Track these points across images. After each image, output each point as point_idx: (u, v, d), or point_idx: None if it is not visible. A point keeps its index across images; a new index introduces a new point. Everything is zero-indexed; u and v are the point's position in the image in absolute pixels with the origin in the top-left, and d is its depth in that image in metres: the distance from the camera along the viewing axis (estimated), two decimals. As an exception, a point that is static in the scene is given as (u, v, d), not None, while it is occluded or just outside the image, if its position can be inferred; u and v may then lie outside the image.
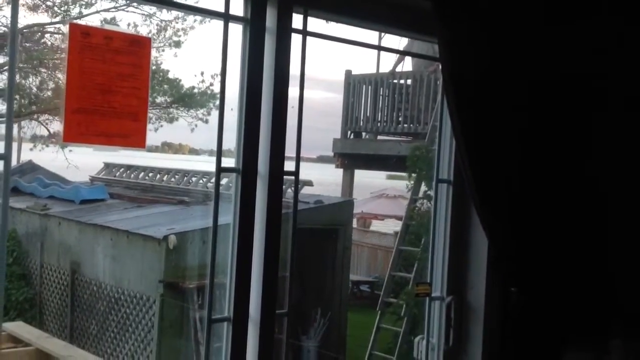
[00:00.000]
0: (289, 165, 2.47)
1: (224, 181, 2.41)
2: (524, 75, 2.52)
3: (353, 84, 11.86)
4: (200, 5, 2.29)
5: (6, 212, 1.93)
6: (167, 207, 10.51)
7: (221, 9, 2.27)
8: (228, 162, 2.34)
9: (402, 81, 11.40)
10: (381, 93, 11.62)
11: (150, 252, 8.86)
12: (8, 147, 1.90)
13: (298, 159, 2.51)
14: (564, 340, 2.77)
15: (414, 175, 8.51)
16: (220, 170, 2.30)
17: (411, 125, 11.15)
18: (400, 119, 11.42)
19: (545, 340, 2.79)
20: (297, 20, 2.45)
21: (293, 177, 2.50)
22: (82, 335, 9.59)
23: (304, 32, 2.45)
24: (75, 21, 10.63)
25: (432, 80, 10.18)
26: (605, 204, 2.69)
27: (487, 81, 2.50)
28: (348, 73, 11.91)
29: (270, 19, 2.36)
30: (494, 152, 2.60)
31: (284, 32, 2.38)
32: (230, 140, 2.34)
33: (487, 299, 2.90)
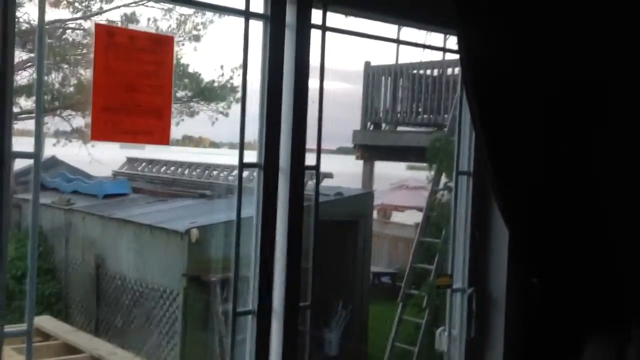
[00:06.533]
0: (310, 158, 2.50)
1: (245, 174, 2.44)
2: (545, 69, 2.52)
3: (372, 75, 11.85)
4: (220, 3, 2.31)
5: (37, 208, 1.98)
6: (189, 201, 10.58)
7: (242, 6, 2.30)
8: (250, 156, 2.37)
9: (421, 72, 11.37)
10: (401, 84, 11.60)
11: (173, 246, 8.94)
12: (38, 145, 1.95)
13: (319, 153, 2.54)
14: (586, 330, 2.78)
15: (434, 166, 8.49)
16: (243, 165, 2.34)
17: (431, 116, 11.13)
18: (420, 109, 11.40)
19: (567, 330, 2.80)
20: (316, 16, 2.48)
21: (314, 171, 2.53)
22: (108, 329, 9.72)
23: (324, 28, 2.48)
24: (97, 20, 10.72)
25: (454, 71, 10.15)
26: (626, 193, 2.68)
27: (507, 75, 2.50)
28: (367, 64, 11.89)
29: (290, 15, 2.39)
30: (514, 144, 2.60)
31: (304, 28, 2.40)
32: (251, 132, 2.37)
33: (508, 290, 2.92)
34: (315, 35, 2.46)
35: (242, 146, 2.31)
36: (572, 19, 2.54)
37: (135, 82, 2.07)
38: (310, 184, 2.52)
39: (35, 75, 1.97)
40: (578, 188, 2.72)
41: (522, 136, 2.60)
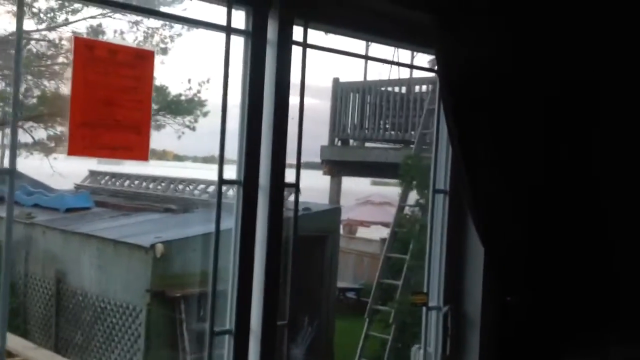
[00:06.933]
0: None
1: (230, 192, 2.41)
2: (524, 88, 2.55)
3: (340, 91, 11.90)
4: (202, 18, 2.28)
5: (10, 225, 1.93)
6: (154, 215, 10.45)
7: (223, 22, 2.28)
8: (227, 170, 2.33)
9: (389, 89, 11.47)
10: (369, 101, 11.67)
11: (137, 261, 8.81)
12: (13, 160, 1.90)
13: (298, 170, 2.52)
14: (561, 349, 2.80)
15: (409, 184, 8.55)
16: (222, 181, 2.30)
17: (399, 132, 11.22)
18: (387, 126, 11.48)
19: (542, 348, 2.82)
20: (296, 33, 2.47)
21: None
22: (67, 346, 9.50)
23: (304, 44, 2.47)
24: (61, 31, 10.55)
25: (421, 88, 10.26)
26: (603, 212, 2.72)
27: (486, 92, 2.53)
28: (336, 81, 11.95)
29: (272, 31, 2.37)
30: (491, 163, 2.63)
31: (285, 44, 2.39)
32: (216, 147, 2.33)
33: (484, 308, 2.92)
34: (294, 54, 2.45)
35: (221, 162, 2.28)
36: (555, 31, 2.58)
37: (115, 96, 2.03)
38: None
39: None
40: (553, 208, 2.75)
41: (499, 155, 2.63)
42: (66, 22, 11.01)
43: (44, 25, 10.77)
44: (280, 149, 2.40)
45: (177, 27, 10.91)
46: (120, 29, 11.32)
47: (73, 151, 1.97)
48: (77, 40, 1.96)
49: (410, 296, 2.90)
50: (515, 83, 2.55)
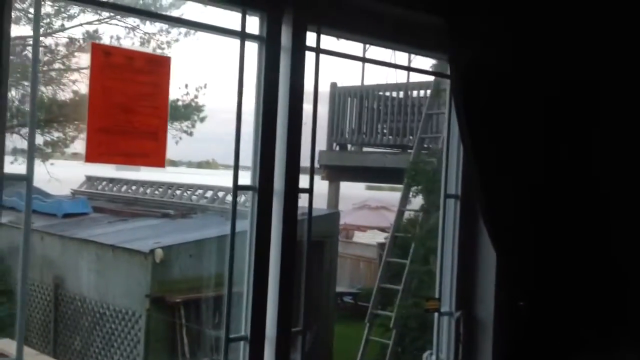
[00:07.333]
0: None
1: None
2: (537, 92, 2.55)
3: (338, 96, 11.91)
4: (215, 24, 2.27)
5: (28, 233, 1.91)
6: (152, 221, 10.43)
7: (237, 27, 2.27)
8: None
9: (387, 93, 11.48)
10: (366, 105, 11.68)
11: (137, 267, 8.78)
12: (30, 167, 1.89)
13: (312, 175, 2.52)
14: (574, 354, 2.79)
15: (413, 189, 8.54)
16: (237, 188, 2.29)
17: (397, 137, 11.22)
18: (385, 130, 11.48)
19: (555, 353, 2.81)
20: (309, 38, 2.46)
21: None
22: (66, 351, 9.47)
23: (317, 50, 2.46)
24: (58, 37, 10.53)
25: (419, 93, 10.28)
26: (614, 217, 2.72)
27: (500, 98, 2.53)
28: (333, 85, 11.96)
29: (285, 37, 2.36)
30: (505, 168, 2.62)
31: (299, 50, 2.38)
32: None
33: (496, 313, 2.92)
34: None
35: (236, 168, 2.27)
36: (562, 34, 2.58)
37: (131, 103, 2.02)
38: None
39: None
40: (565, 213, 2.75)
41: (513, 159, 2.62)
42: (62, 28, 10.99)
43: (40, 31, 10.73)
44: (295, 154, 2.39)
45: (174, 32, 10.91)
46: (116, 34, 11.31)
47: (91, 158, 1.96)
48: (95, 46, 1.95)
49: (425, 302, 2.88)
50: (531, 91, 2.56)
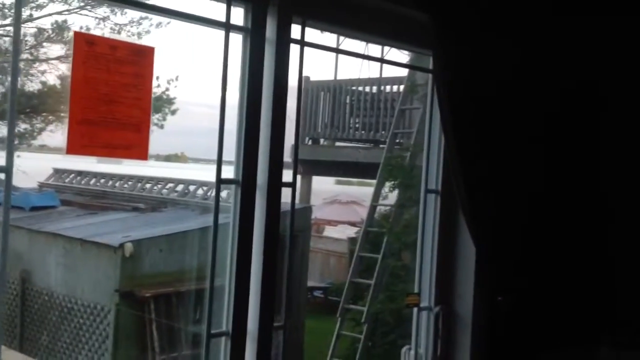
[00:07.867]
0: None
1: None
2: (521, 88, 2.56)
3: (311, 90, 11.87)
4: (201, 14, 2.23)
5: (7, 228, 1.86)
6: (121, 214, 10.30)
7: (222, 18, 2.24)
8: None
9: (360, 88, 11.48)
10: (339, 100, 11.67)
11: (106, 261, 8.67)
12: (10, 158, 1.84)
13: (295, 169, 2.50)
14: (552, 348, 2.82)
15: (389, 183, 8.55)
16: (220, 181, 2.26)
17: (370, 132, 11.24)
18: (357, 125, 11.49)
19: (533, 348, 2.84)
20: (294, 31, 2.43)
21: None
22: (33, 347, 9.32)
23: (302, 43, 2.44)
24: (25, 27, 10.31)
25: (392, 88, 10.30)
26: (597, 213, 2.75)
27: (484, 94, 2.53)
28: (306, 79, 11.91)
29: (270, 29, 2.34)
30: (486, 164, 2.63)
31: (283, 42, 2.36)
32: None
33: (475, 308, 2.93)
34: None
35: (220, 161, 2.24)
36: (550, 31, 2.59)
37: (115, 93, 1.97)
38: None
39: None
40: (545, 208, 2.77)
41: (495, 154, 2.63)
42: (30, 18, 10.76)
43: (8, 21, 10.50)
44: (278, 148, 2.37)
45: (146, 24, 10.76)
46: (86, 25, 11.11)
47: (72, 150, 1.91)
48: (77, 35, 1.90)
49: (405, 297, 2.88)
50: (514, 87, 2.57)
